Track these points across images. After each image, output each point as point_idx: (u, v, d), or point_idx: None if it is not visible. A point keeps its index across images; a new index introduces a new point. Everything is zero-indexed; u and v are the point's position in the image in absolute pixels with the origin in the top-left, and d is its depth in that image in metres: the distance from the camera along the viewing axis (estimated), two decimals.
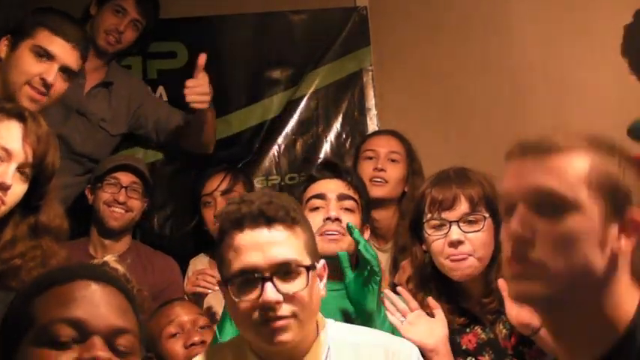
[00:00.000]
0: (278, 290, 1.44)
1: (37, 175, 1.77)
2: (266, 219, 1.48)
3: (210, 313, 2.52)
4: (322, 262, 1.58)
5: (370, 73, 3.28)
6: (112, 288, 1.23)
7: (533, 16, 3.03)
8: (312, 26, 3.28)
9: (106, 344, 1.15)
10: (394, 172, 2.68)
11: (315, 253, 1.56)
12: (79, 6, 2.96)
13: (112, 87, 2.97)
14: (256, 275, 1.45)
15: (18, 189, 1.74)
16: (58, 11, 2.29)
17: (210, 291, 2.50)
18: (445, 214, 1.88)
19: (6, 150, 1.72)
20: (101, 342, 1.15)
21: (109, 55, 2.98)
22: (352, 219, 2.03)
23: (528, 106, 3.02)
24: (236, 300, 1.46)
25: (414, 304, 1.87)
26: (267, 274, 1.45)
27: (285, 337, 1.45)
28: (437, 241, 1.89)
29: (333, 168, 2.15)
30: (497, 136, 3.04)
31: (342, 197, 2.04)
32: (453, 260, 1.86)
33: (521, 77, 3.04)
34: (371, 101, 3.27)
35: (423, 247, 1.96)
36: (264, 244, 1.46)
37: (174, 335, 2.19)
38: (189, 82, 2.67)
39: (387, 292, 1.90)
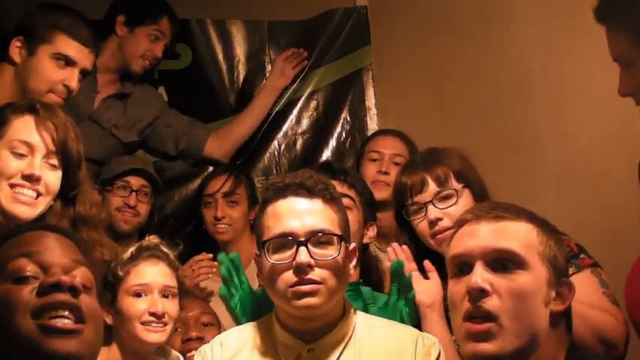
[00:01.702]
0: (311, 255, 1.53)
1: (65, 162, 1.81)
2: (307, 190, 1.59)
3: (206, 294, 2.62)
4: (353, 244, 1.68)
5: (370, 72, 3.29)
6: (63, 236, 1.32)
7: (533, 16, 3.03)
8: (312, 26, 3.28)
9: (65, 274, 1.22)
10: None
11: (348, 233, 1.66)
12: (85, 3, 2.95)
13: (128, 98, 2.98)
14: (291, 239, 1.55)
15: (51, 177, 1.78)
16: (67, 10, 2.28)
17: (211, 275, 2.52)
18: (418, 198, 1.99)
19: (27, 144, 1.76)
20: (61, 271, 1.22)
21: (124, 72, 2.98)
22: (350, 216, 2.03)
23: (528, 106, 3.02)
24: (270, 261, 1.56)
25: (413, 265, 1.91)
26: (302, 239, 1.54)
27: (312, 300, 1.52)
28: (420, 223, 1.99)
29: (326, 169, 2.17)
30: (496, 136, 3.05)
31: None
32: (438, 237, 1.94)
33: (521, 77, 3.04)
34: (371, 101, 3.28)
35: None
36: (302, 212, 1.57)
37: (175, 330, 2.21)
38: None
39: (389, 250, 1.95)
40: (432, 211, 1.96)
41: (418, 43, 3.21)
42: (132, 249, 1.98)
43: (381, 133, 2.96)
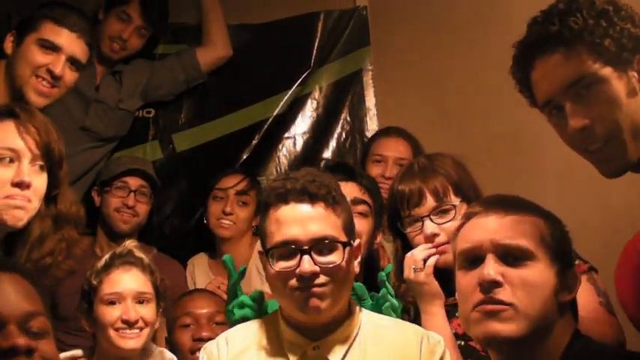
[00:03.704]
0: (315, 263, 1.52)
1: (49, 164, 1.80)
2: (309, 195, 1.56)
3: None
4: (358, 241, 1.66)
5: (370, 73, 3.29)
6: (16, 275, 1.29)
7: (534, 12, 3.03)
8: (312, 27, 3.28)
9: (21, 330, 1.22)
10: None
11: (352, 232, 1.63)
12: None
13: (121, 75, 3.01)
14: (295, 247, 1.53)
15: (38, 182, 1.77)
16: (61, 3, 2.28)
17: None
18: (415, 211, 1.94)
19: (12, 150, 1.74)
20: (16, 329, 1.21)
21: (113, 61, 2.99)
22: (365, 224, 2.03)
23: (528, 106, 3.01)
24: (275, 269, 1.55)
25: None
26: (305, 247, 1.53)
27: (318, 303, 1.52)
28: (416, 237, 1.94)
29: (347, 170, 2.15)
30: (496, 136, 3.05)
31: (356, 202, 2.02)
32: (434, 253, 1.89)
33: None
34: (371, 101, 3.28)
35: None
36: (305, 219, 1.55)
37: (187, 326, 2.24)
38: None
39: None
40: (429, 227, 1.91)
41: (418, 44, 3.21)
42: (106, 257, 2.00)
43: (384, 134, 2.94)
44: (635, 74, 1.45)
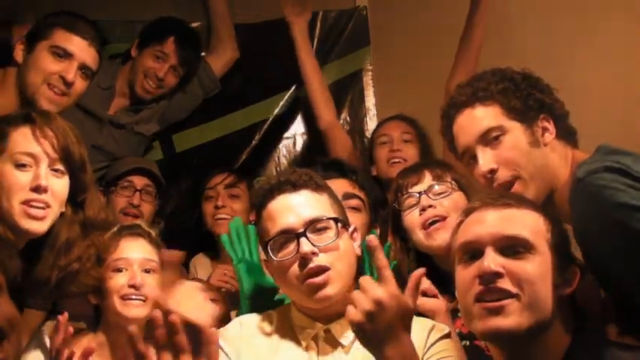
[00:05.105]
0: (312, 243, 1.57)
1: (70, 167, 1.81)
2: (292, 184, 1.64)
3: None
4: (353, 226, 1.71)
5: (370, 73, 3.29)
6: None
7: (533, 16, 3.03)
8: (311, 27, 3.26)
9: None
10: (410, 150, 2.76)
11: (343, 215, 1.69)
12: (92, 9, 2.94)
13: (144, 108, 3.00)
14: (291, 234, 1.59)
15: (58, 186, 1.79)
16: (70, 12, 2.30)
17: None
18: (413, 189, 1.98)
19: (30, 154, 1.76)
20: None
21: (141, 101, 2.95)
22: (358, 218, 2.05)
23: None
24: (276, 259, 1.61)
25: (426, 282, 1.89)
26: (300, 230, 1.58)
27: (327, 291, 1.56)
28: (410, 214, 1.96)
29: (338, 167, 2.18)
30: None
31: (347, 196, 2.05)
32: (428, 229, 1.91)
33: None
34: (370, 101, 3.28)
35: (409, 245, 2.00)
36: (294, 206, 1.62)
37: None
38: None
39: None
40: (425, 199, 1.95)
41: (418, 44, 3.21)
42: (113, 229, 2.02)
43: (385, 120, 2.99)
44: (539, 130, 1.70)
